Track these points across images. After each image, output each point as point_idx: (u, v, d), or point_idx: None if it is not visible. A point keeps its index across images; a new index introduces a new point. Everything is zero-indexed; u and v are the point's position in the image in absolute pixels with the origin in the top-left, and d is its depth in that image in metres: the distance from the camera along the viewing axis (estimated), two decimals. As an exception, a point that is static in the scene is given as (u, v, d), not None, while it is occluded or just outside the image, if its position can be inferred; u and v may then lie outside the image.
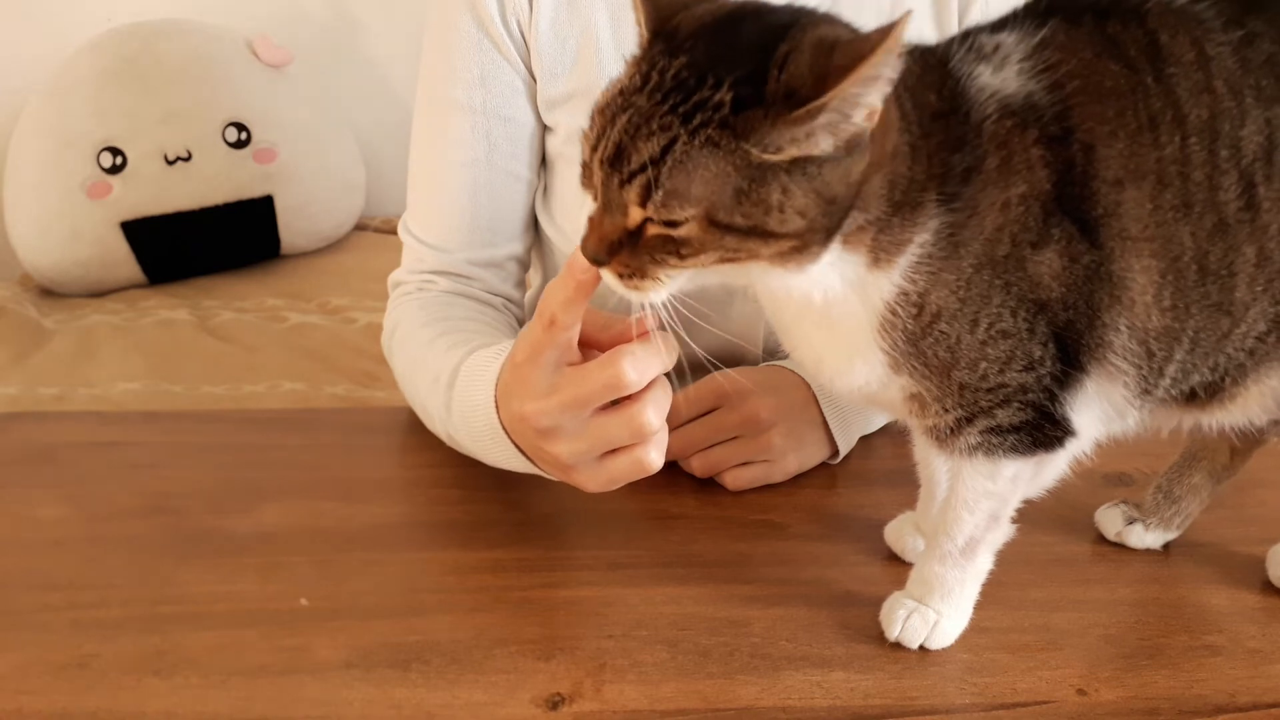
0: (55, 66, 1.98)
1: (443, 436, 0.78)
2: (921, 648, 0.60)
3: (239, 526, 0.72)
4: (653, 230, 0.48)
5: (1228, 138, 0.51)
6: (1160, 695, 0.57)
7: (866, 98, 0.45)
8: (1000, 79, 0.51)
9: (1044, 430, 0.55)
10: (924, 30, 0.90)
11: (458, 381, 0.72)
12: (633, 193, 0.47)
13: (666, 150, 0.45)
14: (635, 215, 0.48)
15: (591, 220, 0.49)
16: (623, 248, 0.49)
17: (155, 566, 0.68)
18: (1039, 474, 0.58)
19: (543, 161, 0.93)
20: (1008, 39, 0.53)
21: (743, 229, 0.46)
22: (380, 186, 2.26)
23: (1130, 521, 0.69)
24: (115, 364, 1.63)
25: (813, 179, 0.46)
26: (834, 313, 0.52)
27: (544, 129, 0.91)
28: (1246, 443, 0.65)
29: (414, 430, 0.86)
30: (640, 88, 0.47)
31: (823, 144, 0.46)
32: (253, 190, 1.98)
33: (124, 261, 1.94)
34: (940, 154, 0.50)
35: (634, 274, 0.49)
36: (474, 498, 0.77)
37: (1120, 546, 0.70)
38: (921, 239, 0.50)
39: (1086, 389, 0.54)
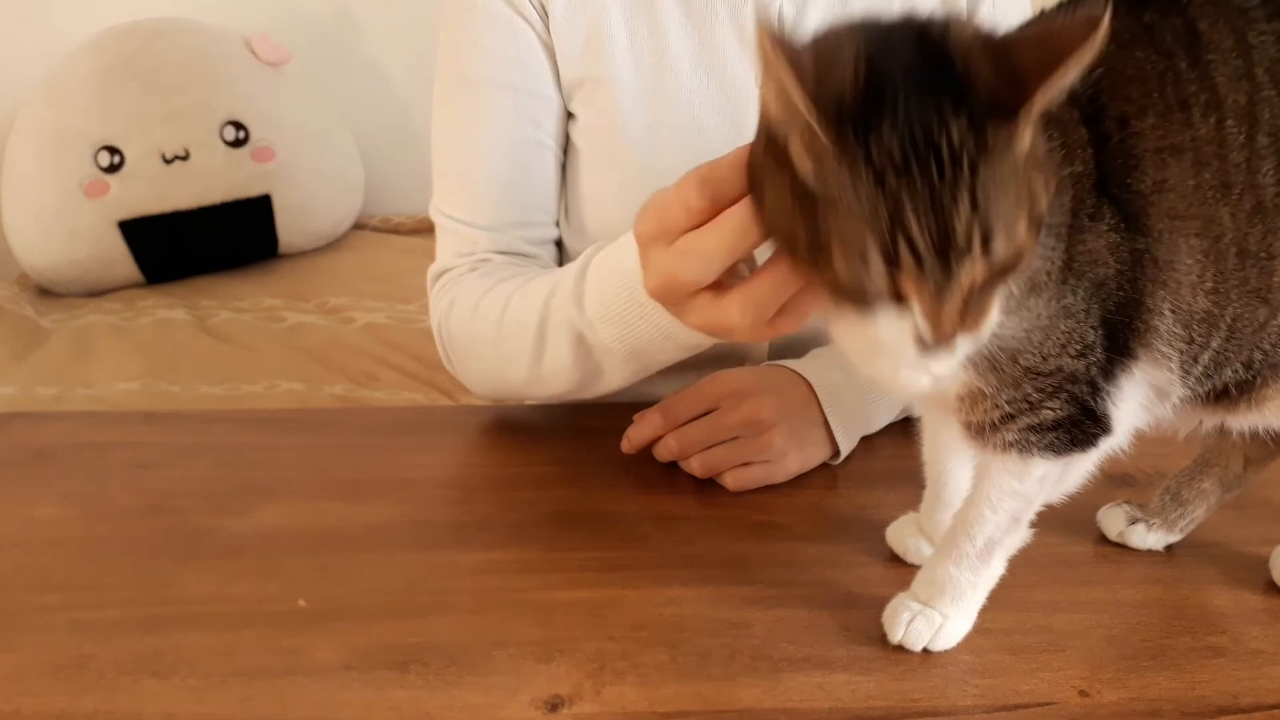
0: (53, 65, 1.98)
1: (554, 369, 0.77)
2: (924, 650, 0.60)
3: (237, 527, 0.72)
4: (994, 270, 0.46)
5: (1268, 125, 0.51)
6: (1162, 696, 0.57)
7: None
8: None
9: (1082, 428, 0.55)
10: None
11: (589, 273, 0.72)
12: (976, 253, 0.44)
13: (975, 198, 0.43)
14: (983, 271, 0.45)
15: (929, 315, 0.45)
16: (968, 310, 0.46)
17: (153, 567, 0.67)
18: (1065, 476, 0.58)
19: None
20: None
21: (1042, 223, 0.47)
22: (379, 185, 2.26)
23: (1133, 522, 0.69)
24: (113, 364, 1.63)
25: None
26: None
27: (568, 114, 0.91)
28: (1264, 452, 0.65)
29: (414, 430, 0.85)
30: (905, 171, 0.43)
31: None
32: (251, 189, 1.99)
33: (122, 261, 1.94)
34: None
35: (981, 321, 0.47)
36: (474, 498, 0.77)
37: (1122, 547, 0.69)
38: None
39: (1134, 376, 0.54)
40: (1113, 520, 0.70)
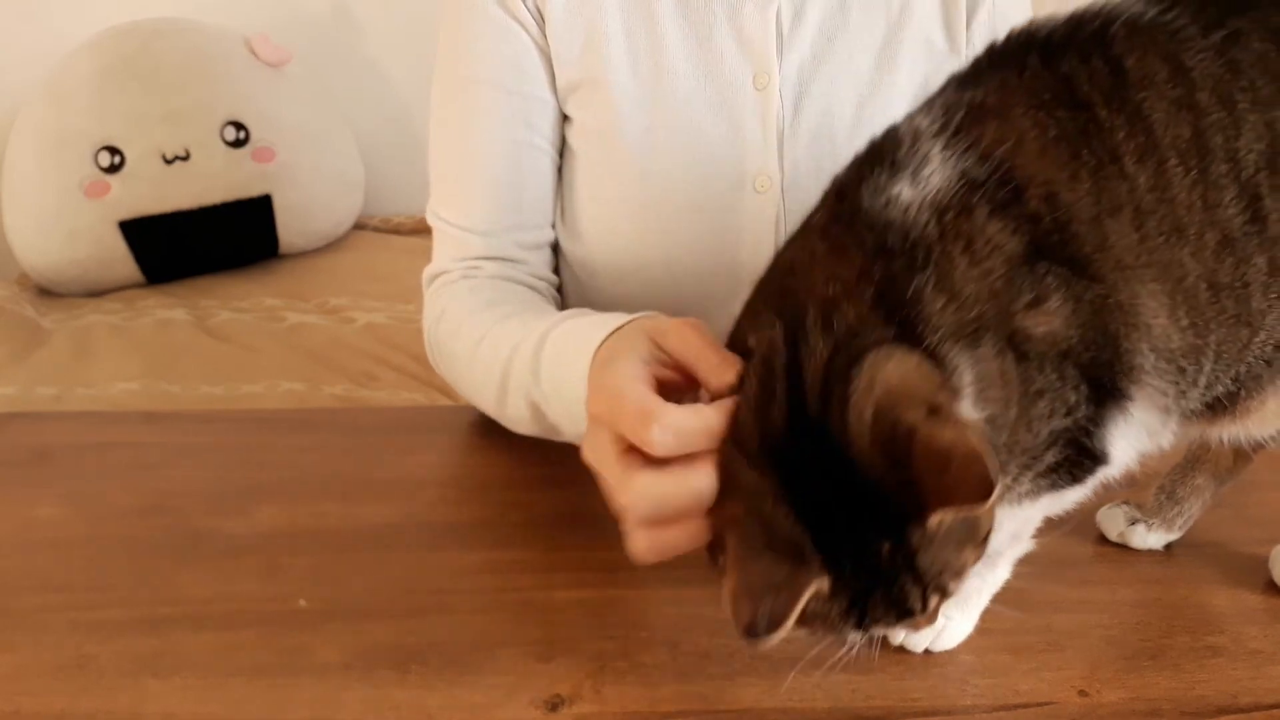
0: (54, 66, 1.98)
1: (515, 417, 0.76)
2: (925, 650, 0.60)
3: (237, 527, 0.72)
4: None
5: (1222, 151, 0.49)
6: (1162, 696, 0.57)
7: None
8: (922, 184, 0.49)
9: (1081, 465, 0.54)
10: (932, 32, 0.90)
11: (546, 346, 0.70)
12: (934, 601, 0.49)
13: (920, 578, 0.47)
14: (940, 601, 0.49)
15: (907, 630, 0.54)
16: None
17: (153, 567, 0.67)
18: (1063, 496, 0.57)
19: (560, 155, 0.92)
20: (924, 122, 0.51)
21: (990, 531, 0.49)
22: (379, 185, 2.26)
23: (1133, 522, 0.69)
24: (113, 364, 1.63)
25: None
26: None
27: (564, 117, 0.90)
28: (1253, 446, 0.65)
29: (414, 430, 0.85)
30: (859, 597, 0.48)
31: None
32: (251, 189, 1.99)
33: (122, 261, 1.94)
34: (912, 300, 0.48)
35: (955, 590, 0.50)
36: (474, 498, 0.77)
37: (1122, 547, 0.69)
38: (962, 379, 0.48)
39: (1131, 415, 0.53)
40: (1112, 521, 0.70)
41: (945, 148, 0.50)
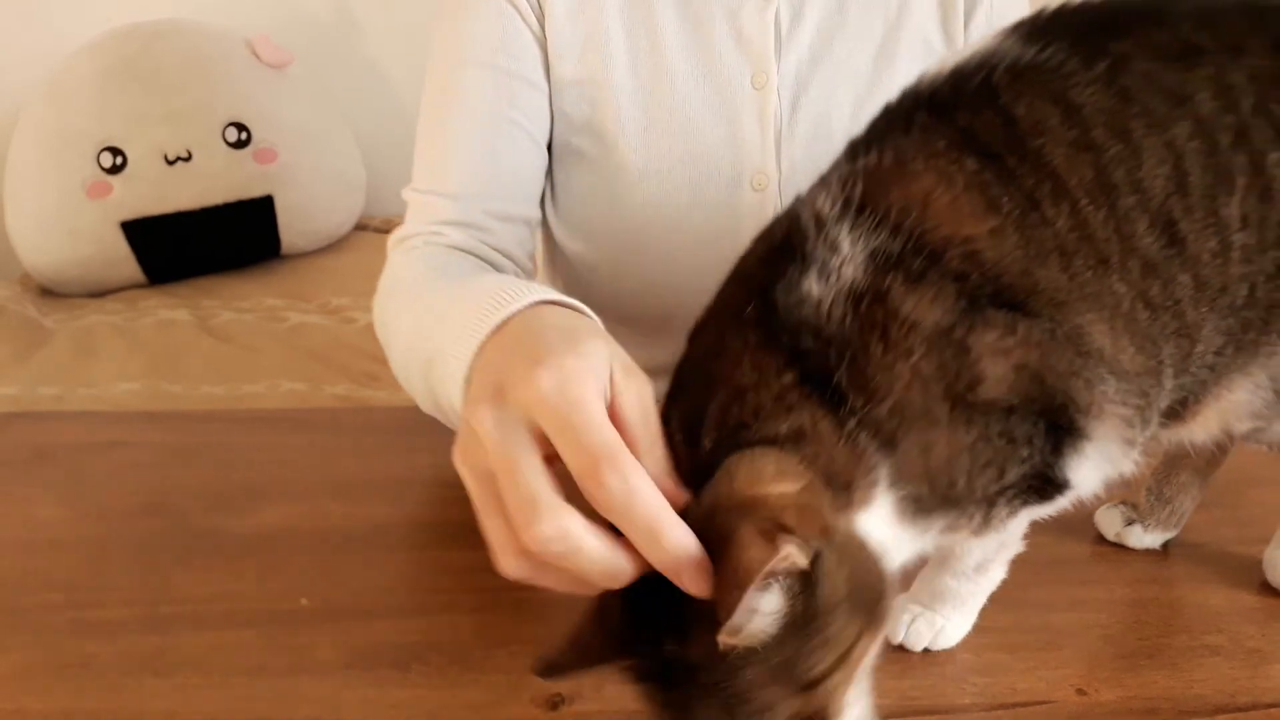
0: (55, 66, 1.99)
1: (421, 390, 0.67)
2: (924, 649, 0.60)
3: (239, 526, 0.72)
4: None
5: (1127, 186, 0.47)
6: (1159, 695, 0.57)
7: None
8: (832, 275, 0.47)
9: (1045, 490, 0.52)
10: (930, 33, 0.90)
11: (458, 298, 0.60)
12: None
13: (742, 692, 0.44)
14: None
15: None
16: None
17: (155, 566, 0.68)
18: (1038, 512, 0.56)
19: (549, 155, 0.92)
20: (825, 205, 0.48)
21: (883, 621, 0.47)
22: (380, 186, 2.26)
23: (1130, 522, 0.69)
24: (115, 364, 1.64)
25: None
26: None
27: (563, 113, 0.90)
28: (1194, 449, 0.65)
29: (414, 430, 0.86)
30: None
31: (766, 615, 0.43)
32: (253, 190, 1.99)
33: (124, 261, 1.95)
34: (831, 397, 0.46)
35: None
36: (474, 498, 0.77)
37: (1119, 546, 0.70)
38: (875, 476, 0.47)
39: (1085, 452, 0.51)
40: (1110, 520, 0.70)
41: (852, 229, 0.47)
